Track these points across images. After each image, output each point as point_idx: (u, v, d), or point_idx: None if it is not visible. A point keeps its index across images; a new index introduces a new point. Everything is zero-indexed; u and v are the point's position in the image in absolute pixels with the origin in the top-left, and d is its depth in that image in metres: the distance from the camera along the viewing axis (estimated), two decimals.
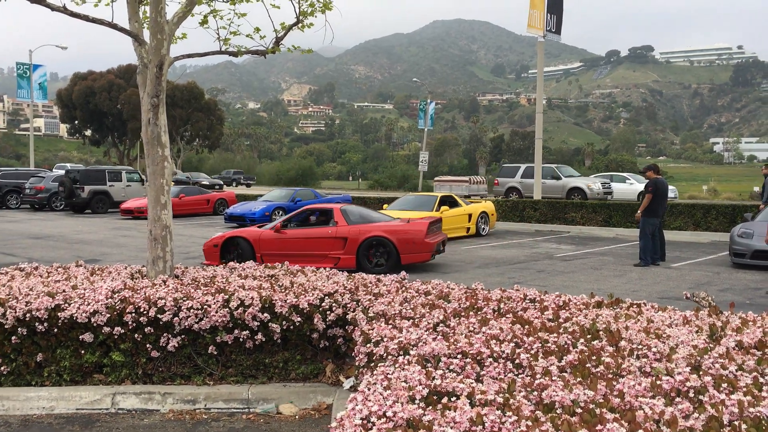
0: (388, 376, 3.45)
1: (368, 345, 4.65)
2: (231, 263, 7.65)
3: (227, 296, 5.87)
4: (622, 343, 3.94)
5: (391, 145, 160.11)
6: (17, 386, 5.86)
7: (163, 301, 5.77)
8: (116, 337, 5.76)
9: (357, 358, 4.77)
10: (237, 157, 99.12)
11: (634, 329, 4.17)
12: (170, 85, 67.13)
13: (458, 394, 3.14)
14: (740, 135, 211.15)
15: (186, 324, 5.74)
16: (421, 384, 3.22)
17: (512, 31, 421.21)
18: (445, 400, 3.04)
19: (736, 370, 3.30)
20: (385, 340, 4.50)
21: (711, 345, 3.79)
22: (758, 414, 2.66)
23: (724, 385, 3.04)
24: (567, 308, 5.12)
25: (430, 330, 4.50)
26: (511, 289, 5.96)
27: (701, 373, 3.27)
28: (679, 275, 12.34)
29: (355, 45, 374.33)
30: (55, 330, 5.76)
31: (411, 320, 4.88)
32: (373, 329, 4.82)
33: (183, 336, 5.80)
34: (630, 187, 30.49)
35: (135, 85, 62.78)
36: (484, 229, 19.08)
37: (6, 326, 5.72)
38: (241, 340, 5.81)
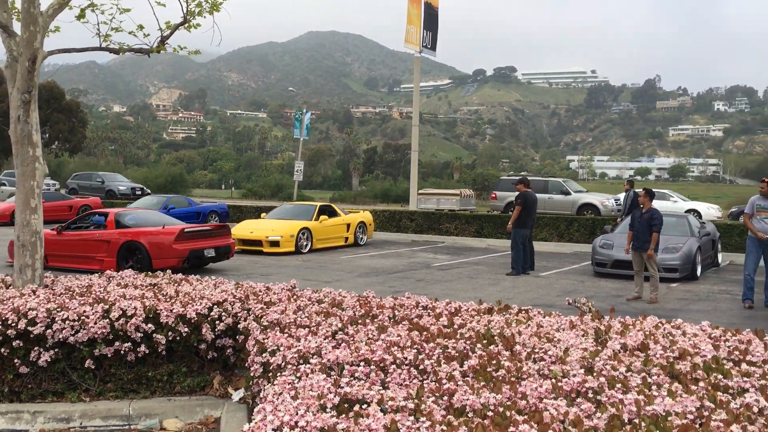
0: (295, 385, 3.37)
1: (264, 354, 4.53)
2: (108, 272, 7.23)
3: (107, 306, 5.53)
4: (517, 347, 4.08)
5: (264, 154, 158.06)
6: None
7: (35, 312, 5.35)
8: None
9: (252, 369, 4.65)
10: (101, 162, 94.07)
11: (527, 334, 4.34)
12: None
13: (368, 401, 3.11)
14: (593, 153, 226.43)
15: (60, 336, 5.35)
16: (330, 392, 3.17)
17: (385, 45, 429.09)
18: (357, 407, 3.01)
19: (626, 371, 3.50)
20: (281, 349, 4.40)
21: (599, 348, 4.00)
22: (654, 412, 2.83)
23: (618, 385, 3.22)
24: (459, 315, 5.23)
25: (329, 338, 4.46)
26: (401, 297, 6.03)
27: (595, 374, 3.44)
28: (547, 283, 12.99)
29: (229, 51, 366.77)
30: None
31: (307, 328, 4.81)
32: (268, 338, 4.71)
33: (56, 350, 5.40)
34: (674, 205, 26.64)
35: None
36: (362, 238, 19.23)
37: None
38: (122, 352, 5.49)
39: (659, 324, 4.64)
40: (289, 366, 4.03)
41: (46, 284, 6.58)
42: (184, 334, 5.56)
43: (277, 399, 3.16)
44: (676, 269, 13.06)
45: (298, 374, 3.83)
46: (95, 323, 5.37)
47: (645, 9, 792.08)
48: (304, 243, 17.14)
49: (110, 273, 7.15)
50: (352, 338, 4.43)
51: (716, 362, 3.60)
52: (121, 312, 5.46)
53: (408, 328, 4.67)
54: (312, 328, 4.80)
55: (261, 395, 4.09)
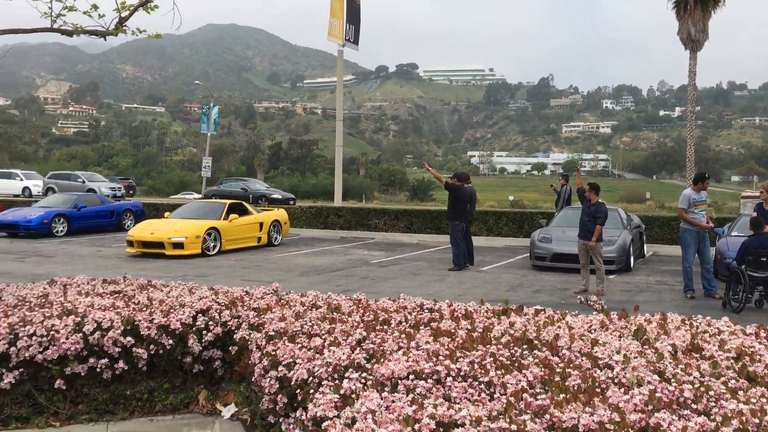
0: (368, 406, 2.99)
1: (279, 368, 4.11)
2: (61, 279, 6.48)
3: (78, 319, 4.91)
4: (565, 352, 3.85)
5: (164, 150, 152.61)
6: None
7: None
8: None
9: (265, 384, 4.19)
10: None
11: (565, 337, 4.12)
12: None
13: (461, 423, 2.79)
14: (492, 149, 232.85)
15: (27, 355, 4.70)
16: (419, 415, 2.82)
17: (287, 40, 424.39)
18: None
19: (700, 376, 3.33)
20: (300, 361, 4.00)
21: (648, 349, 3.83)
22: None
23: (711, 393, 3.04)
24: (471, 318, 4.97)
25: (356, 348, 4.08)
26: (399, 298, 5.71)
27: (674, 381, 3.25)
28: (492, 278, 12.97)
29: (122, 43, 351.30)
30: None
31: (318, 337, 4.41)
32: (278, 350, 4.29)
33: (21, 369, 4.74)
34: None
35: None
36: (276, 238, 18.13)
37: None
38: (97, 370, 4.88)
39: (685, 321, 4.55)
40: (325, 382, 3.64)
41: None
42: (168, 347, 5.02)
43: (352, 426, 2.77)
44: (612, 261, 13.34)
45: (342, 391, 3.46)
46: (67, 338, 4.76)
47: (538, 10, 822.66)
48: (212, 244, 15.83)
49: (65, 280, 6.42)
50: (380, 348, 4.07)
51: None
52: (95, 325, 4.86)
53: (431, 334, 4.36)
54: (324, 337, 4.41)
55: (296, 416, 3.67)
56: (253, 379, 4.47)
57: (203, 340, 5.12)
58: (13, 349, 4.68)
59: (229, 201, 18.30)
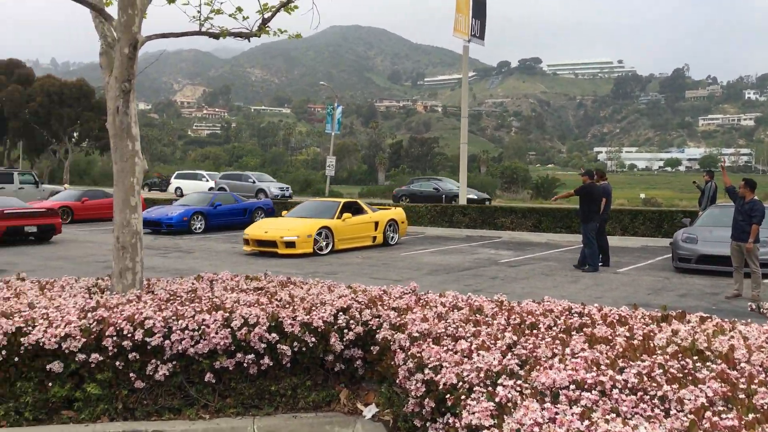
0: (532, 418, 2.79)
1: (426, 371, 3.98)
2: (207, 274, 6.70)
3: (227, 314, 5.01)
4: (743, 365, 3.47)
5: (289, 150, 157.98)
6: None
7: (152, 321, 4.85)
8: (93, 365, 4.78)
9: (411, 387, 4.08)
10: None
11: (742, 348, 3.72)
12: (57, 82, 63.14)
13: None
14: (621, 145, 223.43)
15: (180, 348, 4.84)
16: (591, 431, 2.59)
17: (408, 39, 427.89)
18: None
19: None
20: (447, 365, 3.85)
21: None
22: None
23: None
24: (627, 324, 4.63)
25: (507, 353, 3.88)
26: (543, 301, 5.44)
27: None
28: (631, 280, 12.31)
29: (252, 47, 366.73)
30: (16, 359, 4.72)
31: (464, 340, 4.24)
32: (422, 351, 4.15)
33: (174, 362, 4.90)
34: None
35: (17, 81, 58.61)
36: (393, 238, 17.81)
37: None
38: (244, 365, 4.97)
39: None
40: (476, 388, 3.47)
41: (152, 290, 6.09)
42: (311, 345, 5.03)
43: None
44: None
45: (497, 399, 3.28)
46: (216, 333, 4.86)
47: None
48: (323, 243, 15.74)
49: (211, 276, 6.63)
50: (532, 353, 3.85)
51: None
52: (242, 320, 4.94)
53: (585, 340, 4.09)
54: (470, 340, 4.23)
55: (444, 421, 3.54)
56: (396, 381, 4.37)
57: (344, 339, 5.09)
58: (167, 342, 4.83)
59: (343, 200, 18.24)
